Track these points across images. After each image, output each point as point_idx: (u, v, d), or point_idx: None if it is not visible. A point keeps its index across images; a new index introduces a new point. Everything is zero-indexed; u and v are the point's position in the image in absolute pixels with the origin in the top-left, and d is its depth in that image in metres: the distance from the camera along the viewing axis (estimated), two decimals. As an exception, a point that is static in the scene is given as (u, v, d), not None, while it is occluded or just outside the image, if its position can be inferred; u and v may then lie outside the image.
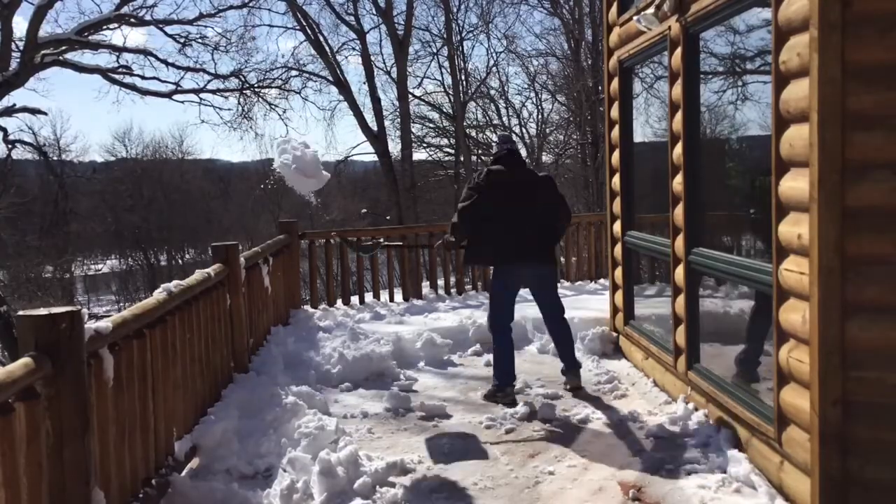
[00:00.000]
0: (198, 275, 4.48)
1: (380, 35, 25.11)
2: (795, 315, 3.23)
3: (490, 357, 5.48)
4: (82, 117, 78.81)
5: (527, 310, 7.49)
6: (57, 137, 32.77)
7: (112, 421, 3.10)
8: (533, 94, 26.09)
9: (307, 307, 8.09)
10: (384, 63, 23.85)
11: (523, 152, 25.76)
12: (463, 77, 24.63)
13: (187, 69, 19.20)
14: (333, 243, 8.34)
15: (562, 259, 9.36)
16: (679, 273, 4.73)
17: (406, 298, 8.58)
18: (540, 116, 26.26)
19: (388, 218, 22.22)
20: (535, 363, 6.20)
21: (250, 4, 19.98)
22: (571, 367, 5.41)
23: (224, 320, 5.02)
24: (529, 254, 5.17)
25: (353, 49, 22.52)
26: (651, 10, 4.82)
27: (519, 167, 5.29)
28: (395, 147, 23.24)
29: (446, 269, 9.37)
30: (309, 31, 21.40)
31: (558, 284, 5.65)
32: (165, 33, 18.91)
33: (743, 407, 3.89)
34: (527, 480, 3.87)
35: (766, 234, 3.55)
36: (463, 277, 9.18)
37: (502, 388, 5.23)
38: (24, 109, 17.47)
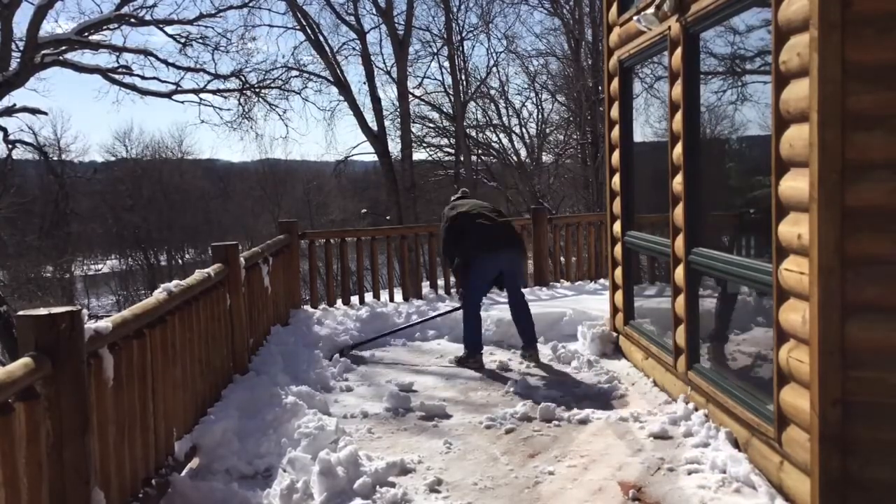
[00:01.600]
0: (198, 275, 4.47)
1: (380, 35, 25.13)
2: (795, 315, 3.23)
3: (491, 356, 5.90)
4: (82, 117, 78.98)
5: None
6: (57, 137, 32.84)
7: (112, 421, 3.10)
8: (533, 94, 26.10)
9: (307, 307, 8.09)
10: (384, 63, 23.88)
11: (523, 153, 25.86)
12: (463, 77, 24.65)
13: (187, 69, 19.18)
14: None
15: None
16: (679, 273, 4.73)
17: (406, 298, 8.58)
18: (540, 116, 26.27)
19: (387, 218, 22.22)
20: (540, 364, 6.19)
21: (250, 4, 19.98)
22: (529, 345, 6.26)
23: (224, 320, 5.02)
24: (501, 244, 6.15)
25: (353, 49, 22.53)
26: (651, 10, 4.82)
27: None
28: (395, 147, 23.26)
29: (446, 270, 9.38)
30: (309, 31, 21.41)
31: (526, 275, 6.76)
32: (166, 33, 18.93)
33: (743, 407, 3.89)
34: (527, 480, 3.87)
35: (766, 234, 3.55)
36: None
37: (472, 355, 6.22)
38: (25, 109, 17.45)
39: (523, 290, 6.45)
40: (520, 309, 6.29)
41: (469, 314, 6.24)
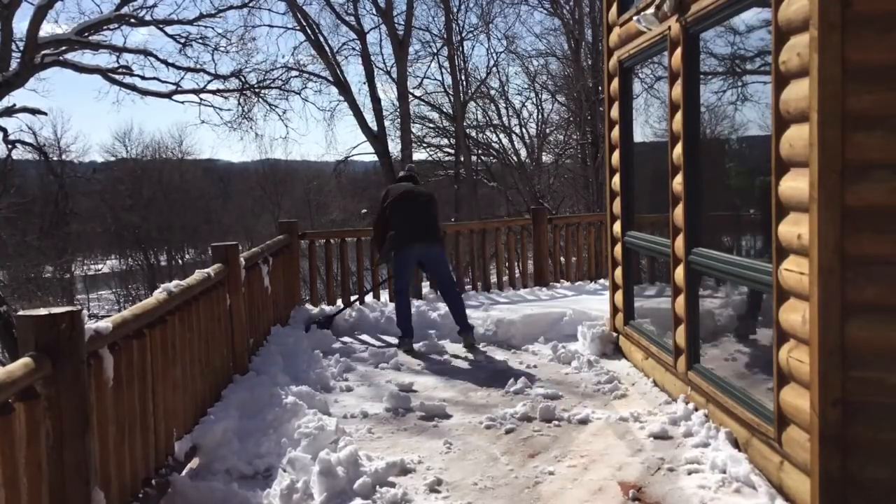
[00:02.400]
0: (198, 275, 4.47)
1: (380, 35, 25.08)
2: (795, 315, 3.23)
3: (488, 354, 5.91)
4: (82, 117, 79.03)
5: (524, 309, 7.51)
6: (57, 137, 32.83)
7: (112, 421, 3.10)
8: (533, 94, 26.09)
9: (308, 306, 8.10)
10: (384, 63, 23.83)
11: (523, 153, 25.85)
12: (463, 77, 24.62)
13: (187, 69, 19.12)
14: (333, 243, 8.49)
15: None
16: (679, 273, 4.73)
17: (406, 298, 8.56)
18: (540, 116, 26.27)
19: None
20: (539, 364, 6.20)
21: (250, 4, 19.91)
22: (465, 329, 6.77)
23: (224, 320, 5.02)
24: (421, 237, 6.71)
25: (353, 49, 22.47)
26: (651, 10, 4.82)
27: (414, 183, 7.05)
28: (395, 147, 23.21)
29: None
30: (309, 32, 21.35)
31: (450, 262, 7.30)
32: (166, 33, 18.86)
33: (743, 407, 3.89)
34: (527, 480, 3.87)
35: (766, 234, 3.55)
36: (464, 277, 9.18)
37: (401, 339, 6.75)
38: (25, 109, 17.42)
39: (454, 278, 7.27)
40: (449, 297, 6.84)
41: (396, 297, 6.96)
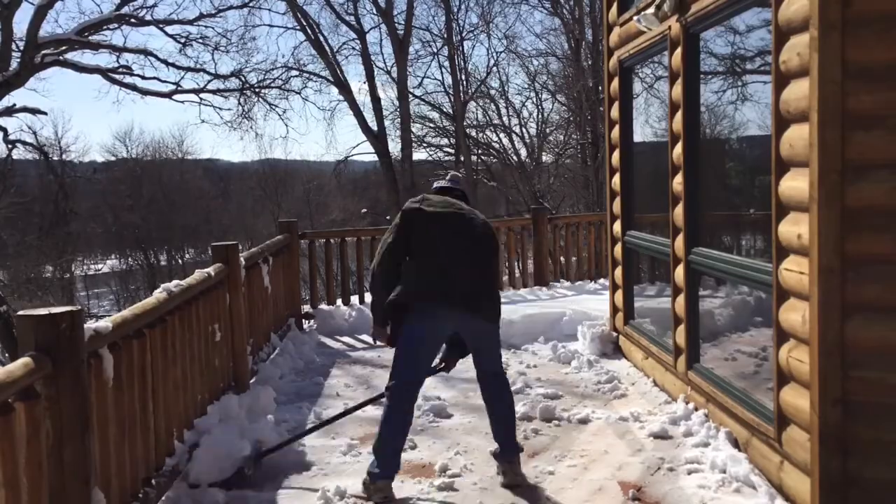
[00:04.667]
0: (198, 275, 4.47)
1: (380, 35, 25.14)
2: (795, 315, 3.23)
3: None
4: (82, 117, 78.77)
5: (524, 308, 7.50)
6: (58, 137, 32.79)
7: (112, 421, 3.09)
8: (533, 94, 26.07)
9: (307, 307, 8.09)
10: (384, 63, 23.88)
11: (523, 153, 25.80)
12: (463, 77, 24.64)
13: (187, 69, 19.18)
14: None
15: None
16: (679, 273, 4.73)
17: (406, 298, 8.54)
18: (540, 116, 26.26)
19: (388, 218, 22.22)
20: (539, 364, 6.19)
21: (250, 4, 19.98)
22: (506, 452, 3.82)
23: (224, 320, 5.01)
24: (460, 295, 3.63)
25: (353, 49, 22.54)
26: (651, 10, 4.82)
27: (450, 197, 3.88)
28: (395, 147, 23.26)
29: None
30: (309, 31, 21.41)
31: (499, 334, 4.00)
32: (166, 33, 18.91)
33: (743, 407, 3.89)
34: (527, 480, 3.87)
35: (765, 234, 3.55)
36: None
37: (374, 480, 3.60)
38: (25, 109, 17.44)
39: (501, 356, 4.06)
40: (493, 394, 3.92)
41: (389, 403, 3.71)
